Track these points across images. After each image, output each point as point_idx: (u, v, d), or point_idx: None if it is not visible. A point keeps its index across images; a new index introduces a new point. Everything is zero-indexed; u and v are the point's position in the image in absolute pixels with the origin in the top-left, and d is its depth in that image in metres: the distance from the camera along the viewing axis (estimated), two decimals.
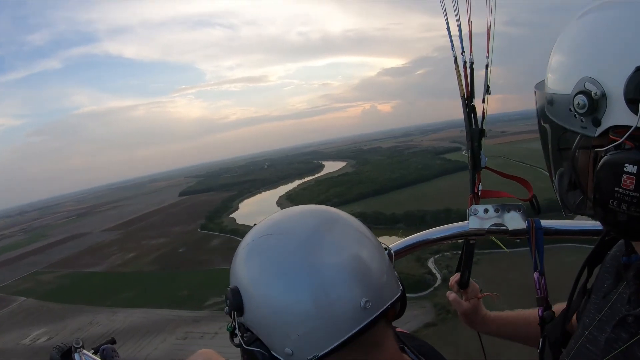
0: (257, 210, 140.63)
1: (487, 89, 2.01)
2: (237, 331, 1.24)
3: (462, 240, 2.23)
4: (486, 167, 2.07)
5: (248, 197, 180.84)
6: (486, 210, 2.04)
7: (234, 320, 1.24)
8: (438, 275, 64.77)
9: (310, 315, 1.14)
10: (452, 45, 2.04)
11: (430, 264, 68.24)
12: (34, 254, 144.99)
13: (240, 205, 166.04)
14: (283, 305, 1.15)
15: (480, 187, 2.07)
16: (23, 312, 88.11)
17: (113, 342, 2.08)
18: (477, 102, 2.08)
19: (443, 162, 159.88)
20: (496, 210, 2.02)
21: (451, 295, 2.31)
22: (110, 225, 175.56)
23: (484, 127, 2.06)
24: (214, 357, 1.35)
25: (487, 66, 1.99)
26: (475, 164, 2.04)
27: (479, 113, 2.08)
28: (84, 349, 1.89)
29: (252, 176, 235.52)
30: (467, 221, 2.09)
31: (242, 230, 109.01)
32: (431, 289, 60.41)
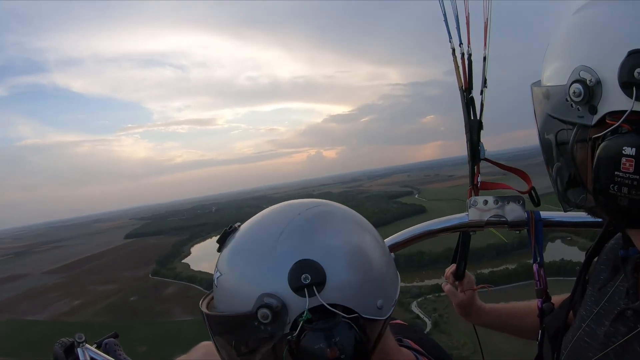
0: (212, 254, 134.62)
1: (484, 82, 2.01)
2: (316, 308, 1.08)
3: (460, 232, 2.24)
4: (485, 159, 2.05)
5: (199, 242, 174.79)
6: (485, 202, 2.02)
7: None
8: (427, 320, 63.56)
9: (389, 261, 1.25)
10: (450, 37, 2.04)
11: (415, 308, 67.33)
12: None
13: (192, 250, 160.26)
14: (372, 257, 1.18)
15: (479, 179, 2.06)
16: None
17: (115, 336, 2.13)
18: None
19: (399, 206, 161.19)
20: (495, 202, 2.01)
21: (446, 286, 2.35)
22: (52, 267, 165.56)
23: (481, 120, 2.04)
24: (215, 351, 1.30)
25: (484, 58, 1.98)
26: (475, 156, 2.03)
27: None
28: (86, 343, 1.94)
29: (201, 220, 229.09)
30: (466, 213, 2.07)
31: (199, 277, 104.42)
32: None
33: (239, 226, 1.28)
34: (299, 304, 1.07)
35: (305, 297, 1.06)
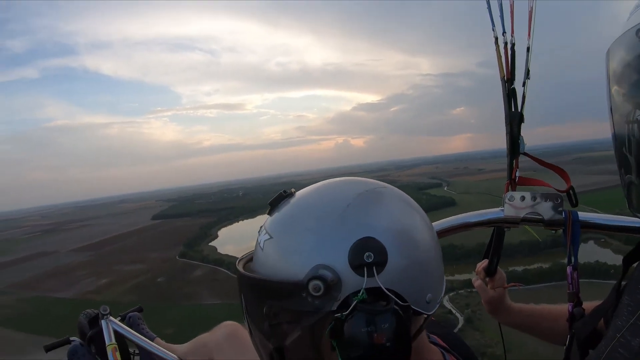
0: (240, 238, 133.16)
1: (527, 73, 1.90)
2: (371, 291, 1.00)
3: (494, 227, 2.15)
4: (524, 153, 1.94)
5: (227, 225, 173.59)
6: (523, 198, 1.91)
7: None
8: (459, 316, 61.33)
9: (440, 255, 1.17)
10: (493, 25, 1.92)
11: (447, 302, 64.32)
12: None
13: (219, 233, 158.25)
14: (430, 250, 1.12)
15: (517, 174, 1.95)
16: None
17: (140, 310, 2.20)
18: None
19: (429, 197, 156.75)
20: (533, 199, 1.89)
21: (477, 282, 2.29)
22: (79, 246, 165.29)
23: (523, 112, 1.93)
24: (238, 330, 1.20)
25: (528, 49, 1.89)
26: (514, 149, 1.93)
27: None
28: (111, 315, 2.00)
29: (229, 203, 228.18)
30: (502, 208, 1.96)
31: (227, 261, 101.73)
32: (456, 330, 55.47)
33: (295, 192, 1.21)
34: (354, 282, 1.00)
35: (363, 276, 0.99)
